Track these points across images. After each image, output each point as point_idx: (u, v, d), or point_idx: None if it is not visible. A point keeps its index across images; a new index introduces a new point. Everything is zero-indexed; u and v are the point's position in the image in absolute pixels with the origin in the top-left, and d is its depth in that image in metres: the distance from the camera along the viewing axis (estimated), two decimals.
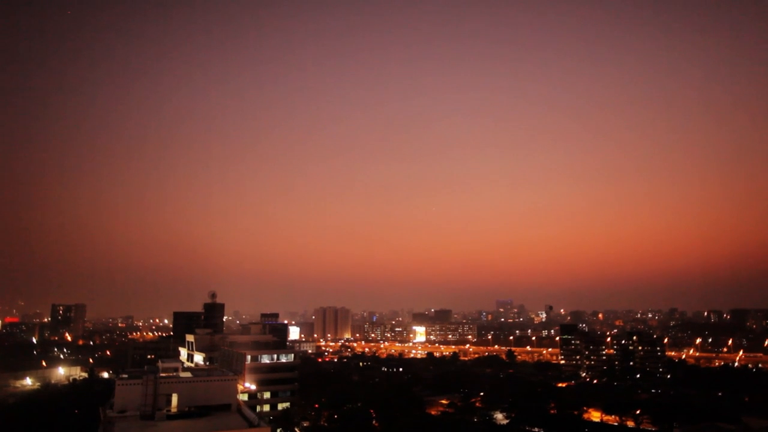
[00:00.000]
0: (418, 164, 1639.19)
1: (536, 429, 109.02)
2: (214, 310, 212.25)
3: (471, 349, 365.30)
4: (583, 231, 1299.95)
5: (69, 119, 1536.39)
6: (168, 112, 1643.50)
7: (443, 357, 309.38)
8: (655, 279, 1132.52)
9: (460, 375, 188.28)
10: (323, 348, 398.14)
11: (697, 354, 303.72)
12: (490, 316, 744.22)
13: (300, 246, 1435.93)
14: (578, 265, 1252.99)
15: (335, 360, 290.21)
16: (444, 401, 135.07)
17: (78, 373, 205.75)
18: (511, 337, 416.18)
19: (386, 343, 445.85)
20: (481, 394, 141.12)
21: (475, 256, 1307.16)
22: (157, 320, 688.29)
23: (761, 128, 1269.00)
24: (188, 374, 77.29)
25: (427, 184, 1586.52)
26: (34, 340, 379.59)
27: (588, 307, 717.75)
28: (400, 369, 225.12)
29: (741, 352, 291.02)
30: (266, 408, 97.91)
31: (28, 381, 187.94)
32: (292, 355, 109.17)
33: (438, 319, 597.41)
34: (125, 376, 73.68)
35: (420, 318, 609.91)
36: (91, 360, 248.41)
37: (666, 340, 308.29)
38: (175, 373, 74.88)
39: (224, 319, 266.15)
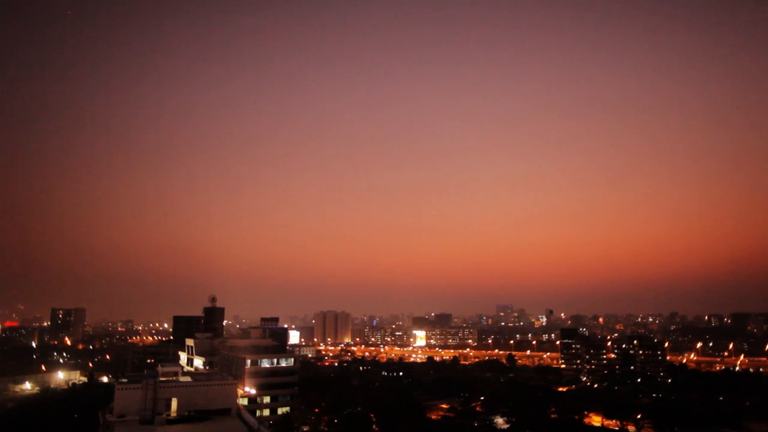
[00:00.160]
0: (418, 168, 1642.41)
1: None
2: (214, 314, 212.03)
3: (471, 354, 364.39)
4: (584, 235, 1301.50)
5: (69, 123, 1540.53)
6: (168, 116, 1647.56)
7: (443, 361, 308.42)
8: (655, 283, 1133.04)
9: (461, 379, 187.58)
10: (323, 352, 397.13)
11: (698, 358, 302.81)
12: (490, 320, 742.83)
13: (300, 250, 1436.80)
14: (579, 269, 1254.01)
15: (335, 364, 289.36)
16: (444, 406, 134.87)
17: (77, 377, 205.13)
18: (512, 341, 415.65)
19: (386, 347, 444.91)
20: (482, 398, 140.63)
21: (476, 260, 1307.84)
22: (157, 324, 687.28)
23: (762, 132, 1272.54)
24: (188, 379, 77.15)
25: (428, 188, 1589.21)
26: (34, 345, 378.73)
27: (588, 311, 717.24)
28: (400, 373, 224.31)
29: (742, 356, 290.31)
30: (266, 412, 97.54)
31: (28, 385, 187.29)
32: (292, 359, 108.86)
33: (438, 323, 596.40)
34: (125, 380, 73.54)
35: (420, 322, 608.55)
36: (90, 364, 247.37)
37: (667, 344, 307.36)
38: (174, 378, 74.74)
39: (224, 323, 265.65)
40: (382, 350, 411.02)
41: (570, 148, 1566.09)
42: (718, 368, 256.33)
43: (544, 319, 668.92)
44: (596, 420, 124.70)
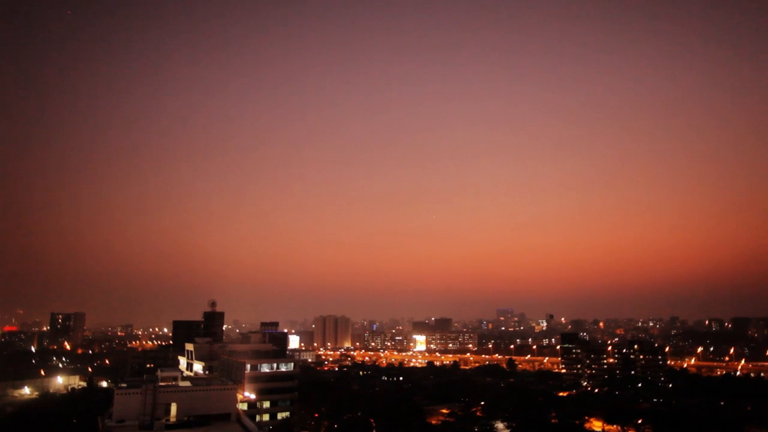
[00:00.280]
0: (418, 172, 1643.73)
1: None
2: (213, 318, 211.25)
3: (471, 358, 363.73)
4: (584, 239, 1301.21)
5: (68, 126, 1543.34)
6: (168, 118, 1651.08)
7: (443, 366, 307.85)
8: (656, 287, 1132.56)
9: (461, 384, 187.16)
10: (323, 357, 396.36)
11: (699, 363, 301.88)
12: (490, 325, 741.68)
13: (300, 254, 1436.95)
14: (579, 274, 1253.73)
15: (335, 369, 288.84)
16: (444, 411, 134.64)
17: (77, 382, 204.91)
18: (512, 346, 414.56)
19: (386, 352, 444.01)
20: (482, 403, 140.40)
21: (476, 265, 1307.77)
22: (157, 329, 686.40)
23: (763, 136, 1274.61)
24: (187, 383, 77.06)
25: (428, 192, 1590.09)
26: (33, 349, 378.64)
27: (589, 315, 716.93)
28: (401, 378, 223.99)
29: (743, 361, 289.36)
30: (266, 417, 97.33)
31: (27, 390, 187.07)
32: (292, 364, 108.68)
33: (438, 327, 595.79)
34: (124, 385, 73.56)
35: (420, 327, 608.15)
36: (90, 369, 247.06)
37: (667, 349, 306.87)
38: (174, 383, 74.69)
39: (224, 328, 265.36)
40: (382, 355, 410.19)
41: (570, 153, 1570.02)
42: (719, 373, 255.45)
43: (545, 324, 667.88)
44: (597, 425, 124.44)
